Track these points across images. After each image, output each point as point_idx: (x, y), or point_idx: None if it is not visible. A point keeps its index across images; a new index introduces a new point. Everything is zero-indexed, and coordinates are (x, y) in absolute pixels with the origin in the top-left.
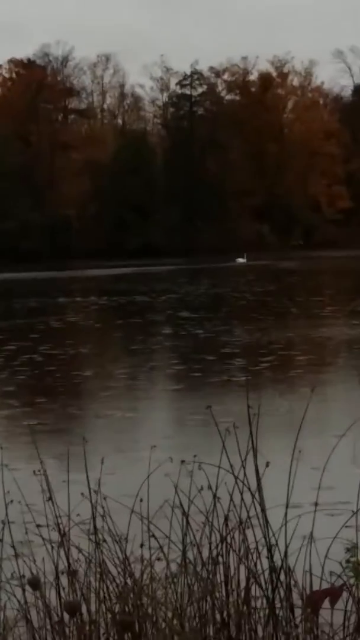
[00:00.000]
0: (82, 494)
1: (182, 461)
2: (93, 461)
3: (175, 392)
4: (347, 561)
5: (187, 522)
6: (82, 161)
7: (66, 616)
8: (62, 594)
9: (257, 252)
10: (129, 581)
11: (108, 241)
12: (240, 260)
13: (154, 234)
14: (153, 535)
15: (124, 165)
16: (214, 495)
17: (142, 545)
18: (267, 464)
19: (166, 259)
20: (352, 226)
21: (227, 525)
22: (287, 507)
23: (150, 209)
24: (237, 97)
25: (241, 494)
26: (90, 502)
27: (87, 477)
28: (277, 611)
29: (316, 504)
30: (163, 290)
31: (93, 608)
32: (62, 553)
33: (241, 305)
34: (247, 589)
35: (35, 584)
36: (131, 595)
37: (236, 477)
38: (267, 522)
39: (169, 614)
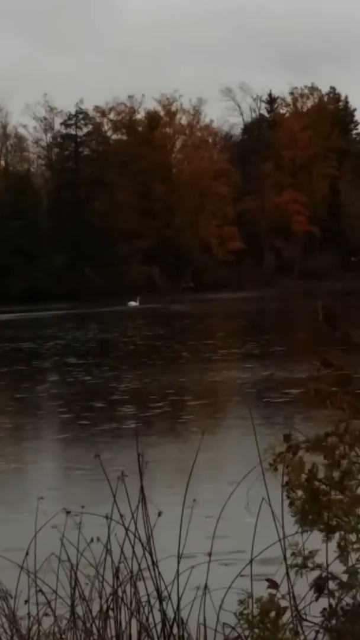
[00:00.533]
0: None
1: (68, 512)
2: None
3: (62, 441)
4: (241, 613)
5: (76, 576)
6: None
7: None
8: None
9: (148, 295)
10: (15, 638)
11: None
12: (133, 303)
13: (39, 279)
14: (40, 590)
15: (7, 207)
16: (105, 547)
17: (27, 601)
18: (160, 514)
19: (52, 303)
20: (243, 267)
21: (117, 577)
22: (179, 558)
23: (35, 252)
24: (124, 137)
25: (132, 545)
26: None
27: None
28: None
29: (210, 554)
30: (49, 336)
31: None
32: None
33: (130, 350)
34: None
35: None
36: None
37: (127, 529)
38: (159, 574)
39: None
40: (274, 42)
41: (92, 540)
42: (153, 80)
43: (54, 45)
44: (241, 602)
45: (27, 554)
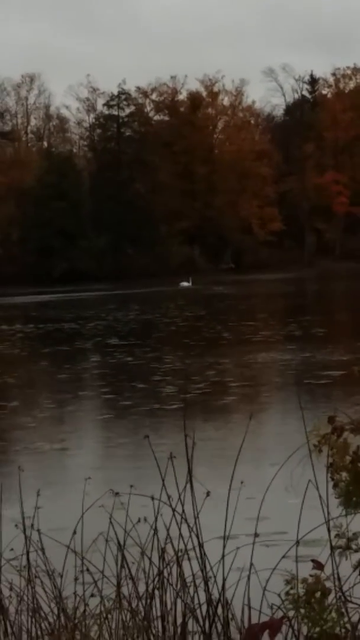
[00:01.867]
0: (16, 525)
1: (116, 493)
2: (23, 495)
3: (105, 422)
4: (287, 593)
5: (122, 556)
6: (5, 185)
7: None
8: None
9: (187, 276)
10: (62, 618)
11: (33, 267)
12: (185, 283)
13: (81, 259)
14: (87, 570)
15: (49, 188)
16: (151, 527)
17: (75, 580)
18: (208, 494)
19: (94, 284)
20: (284, 248)
21: (163, 558)
22: (225, 539)
23: (77, 233)
24: (166, 117)
25: (179, 526)
26: (25, 536)
27: (22, 511)
28: None
29: (255, 535)
30: (91, 316)
31: None
32: None
33: (172, 331)
34: (184, 623)
35: None
36: (64, 633)
37: (174, 509)
38: (204, 554)
39: None
40: (316, 23)
41: (138, 520)
42: (195, 61)
43: (96, 26)
44: (287, 582)
45: (74, 532)
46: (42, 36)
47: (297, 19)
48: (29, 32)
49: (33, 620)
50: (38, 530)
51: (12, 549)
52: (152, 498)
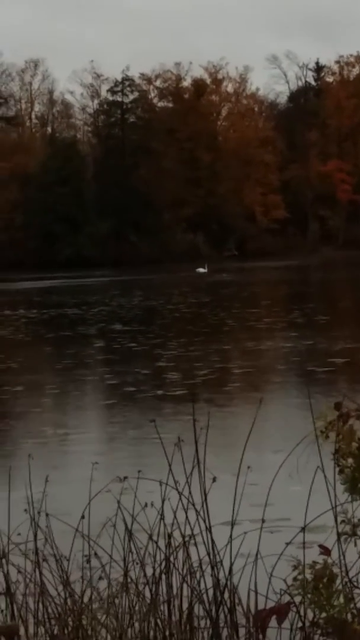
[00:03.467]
0: (25, 510)
1: (125, 477)
2: (28, 479)
3: (109, 407)
4: (295, 579)
5: (130, 541)
6: (9, 170)
7: None
8: (0, 616)
9: (192, 263)
10: (69, 602)
11: (37, 252)
12: (201, 270)
13: (84, 245)
14: (95, 554)
15: (53, 174)
16: (158, 513)
17: (88, 560)
18: (214, 479)
19: (97, 270)
20: (288, 235)
21: (170, 544)
22: (232, 524)
23: (80, 219)
24: (170, 104)
25: (185, 510)
26: (32, 520)
27: (31, 496)
28: (220, 630)
29: (263, 521)
30: (94, 302)
31: (32, 630)
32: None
33: (175, 317)
34: (190, 608)
35: None
36: (71, 616)
37: (180, 493)
38: (212, 540)
39: (109, 636)
40: (320, 11)
41: (145, 505)
42: (198, 48)
43: (101, 11)
44: (295, 567)
45: (82, 517)
46: (45, 22)
47: (300, 5)
48: (32, 17)
49: (40, 604)
50: (47, 515)
51: (19, 534)
52: (160, 482)
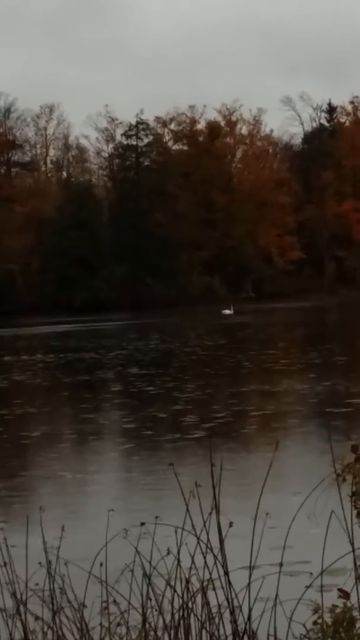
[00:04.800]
0: (39, 563)
1: (142, 523)
2: (46, 525)
3: (126, 451)
4: (314, 623)
5: (148, 587)
6: (25, 215)
7: None
8: None
9: (208, 305)
10: None
11: (53, 297)
12: (227, 311)
13: (100, 289)
14: (114, 601)
15: (69, 218)
16: (176, 558)
17: (106, 608)
18: (231, 524)
19: (114, 314)
20: (304, 277)
21: (188, 588)
22: (251, 568)
23: (96, 263)
24: (185, 147)
25: (204, 555)
26: (48, 569)
27: (44, 542)
28: None
29: (281, 565)
30: (111, 346)
31: None
32: (18, 622)
33: (192, 360)
34: None
35: None
36: None
37: (198, 538)
38: (230, 584)
39: None
40: (332, 52)
41: (168, 552)
42: (211, 90)
43: (115, 57)
44: (315, 611)
45: (100, 565)
46: (59, 67)
47: (312, 46)
48: (46, 62)
49: None
50: (65, 564)
51: (37, 584)
52: (176, 529)
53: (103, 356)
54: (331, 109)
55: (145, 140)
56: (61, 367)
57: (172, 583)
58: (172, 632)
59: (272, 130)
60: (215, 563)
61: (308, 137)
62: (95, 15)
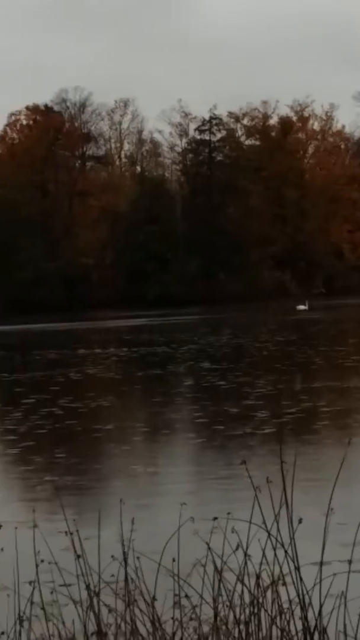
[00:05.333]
0: (112, 556)
1: (215, 518)
2: (118, 519)
3: (199, 445)
4: None
5: (220, 581)
6: (99, 209)
7: None
8: None
9: (279, 301)
10: None
11: (126, 291)
12: (302, 307)
13: (172, 284)
14: (186, 595)
15: (142, 212)
16: (245, 554)
17: (175, 604)
18: (300, 521)
19: (186, 308)
20: None
21: (259, 584)
22: (321, 564)
23: (169, 257)
24: (257, 142)
25: (274, 550)
26: (125, 560)
27: (122, 537)
28: None
29: (350, 562)
30: (183, 340)
31: None
32: (91, 614)
33: (263, 355)
34: None
35: None
36: None
37: (269, 533)
38: (301, 580)
39: None
40: None
41: (237, 547)
42: (286, 85)
43: (189, 52)
44: None
45: (173, 560)
46: (134, 61)
47: None
48: (122, 59)
49: None
50: (138, 558)
51: (112, 575)
52: (250, 522)
53: (175, 350)
54: None
55: (218, 135)
56: (134, 360)
57: (242, 578)
58: (243, 627)
59: (344, 126)
60: (285, 558)
61: None
62: (166, 10)
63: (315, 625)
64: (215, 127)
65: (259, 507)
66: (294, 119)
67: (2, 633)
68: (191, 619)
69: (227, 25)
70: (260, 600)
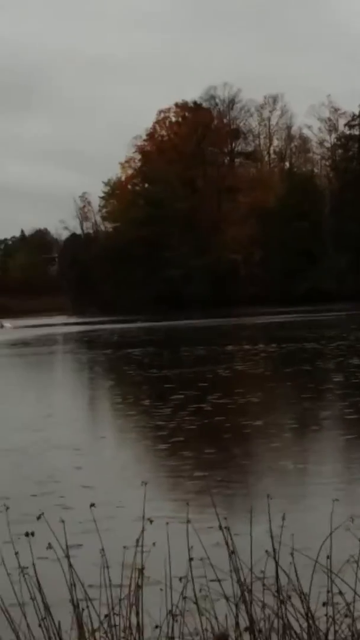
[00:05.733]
0: (266, 551)
1: None
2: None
3: (349, 442)
4: None
5: None
6: (248, 205)
7: None
8: None
9: None
10: (313, 639)
11: (274, 287)
12: None
13: (322, 280)
14: (339, 592)
15: (291, 209)
16: None
17: (325, 604)
18: None
19: (335, 304)
20: None
21: None
22: None
23: (318, 253)
24: None
25: None
26: (275, 558)
27: (271, 532)
28: None
29: None
30: (333, 336)
31: None
32: (243, 609)
33: None
34: None
35: None
36: None
37: None
38: None
39: None
40: None
41: None
42: None
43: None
44: None
45: (327, 557)
46: (283, 57)
47: None
48: (269, 56)
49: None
50: (291, 554)
51: (261, 571)
52: None
53: (324, 347)
54: None
55: None
56: (282, 357)
57: None
58: None
59: None
60: None
61: None
62: (310, 4)
63: None
64: None
65: None
66: None
67: (157, 627)
68: (346, 615)
69: None
70: None
